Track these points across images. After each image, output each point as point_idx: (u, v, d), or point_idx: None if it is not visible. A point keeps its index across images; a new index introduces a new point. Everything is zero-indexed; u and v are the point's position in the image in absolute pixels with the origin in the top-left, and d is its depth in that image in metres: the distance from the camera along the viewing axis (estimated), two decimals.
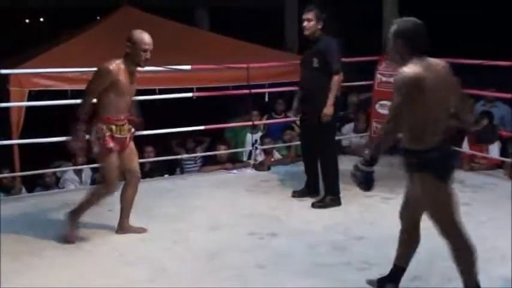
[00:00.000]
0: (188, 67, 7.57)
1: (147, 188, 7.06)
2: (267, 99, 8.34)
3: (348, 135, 9.10)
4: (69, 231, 5.28)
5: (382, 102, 8.51)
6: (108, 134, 5.12)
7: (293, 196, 6.62)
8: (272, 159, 8.30)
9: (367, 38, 8.28)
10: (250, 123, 8.41)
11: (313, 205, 6.28)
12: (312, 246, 5.22)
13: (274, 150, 8.51)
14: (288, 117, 9.20)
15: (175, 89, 7.84)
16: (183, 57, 8.24)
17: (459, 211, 4.05)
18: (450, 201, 3.97)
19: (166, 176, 8.12)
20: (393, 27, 3.90)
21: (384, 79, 8.52)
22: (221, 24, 12.61)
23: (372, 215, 6.05)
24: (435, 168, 3.85)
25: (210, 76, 8.21)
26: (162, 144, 8.61)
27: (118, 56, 7.89)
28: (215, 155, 8.26)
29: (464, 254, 4.01)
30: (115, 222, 5.76)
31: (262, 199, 6.58)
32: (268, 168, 7.90)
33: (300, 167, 7.93)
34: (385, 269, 4.68)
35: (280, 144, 8.66)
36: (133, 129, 5.43)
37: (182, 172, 8.52)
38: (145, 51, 5.13)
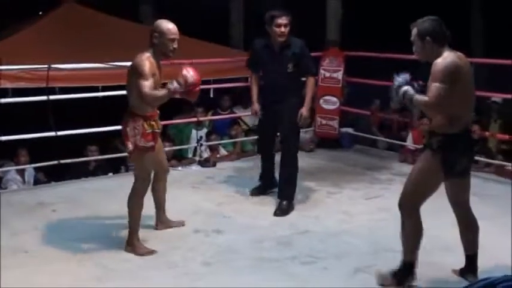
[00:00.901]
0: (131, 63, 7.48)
1: (91, 187, 7.03)
2: (212, 95, 8.32)
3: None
4: (138, 249, 5.03)
5: (326, 97, 8.59)
6: (149, 130, 4.99)
7: (252, 194, 6.54)
8: (218, 156, 8.29)
9: (311, 34, 8.29)
10: (194, 119, 8.37)
11: (276, 213, 5.99)
12: (257, 242, 5.24)
13: (220, 147, 8.51)
14: (234, 113, 9.22)
15: (119, 86, 7.75)
16: (127, 53, 8.13)
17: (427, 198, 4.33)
18: (430, 187, 4.27)
19: (110, 174, 8.03)
20: (415, 30, 4.13)
21: (327, 75, 8.59)
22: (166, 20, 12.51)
23: (316, 209, 6.09)
24: (445, 154, 4.12)
25: None
26: (107, 143, 8.52)
27: (60, 53, 7.85)
28: None
29: (411, 230, 4.26)
30: (58, 222, 5.70)
31: (208, 196, 6.56)
32: (214, 165, 7.88)
33: (246, 162, 7.98)
34: (329, 262, 4.74)
35: (226, 141, 8.65)
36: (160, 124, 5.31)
37: (127, 170, 8.43)
38: (173, 41, 4.97)
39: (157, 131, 5.11)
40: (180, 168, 7.87)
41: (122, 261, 4.87)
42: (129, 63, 7.36)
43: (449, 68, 3.97)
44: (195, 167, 7.91)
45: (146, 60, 4.83)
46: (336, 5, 9.79)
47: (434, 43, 4.06)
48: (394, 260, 4.65)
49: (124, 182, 7.21)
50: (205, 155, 8.19)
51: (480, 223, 5.44)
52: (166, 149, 8.07)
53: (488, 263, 4.59)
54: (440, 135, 4.14)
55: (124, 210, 6.09)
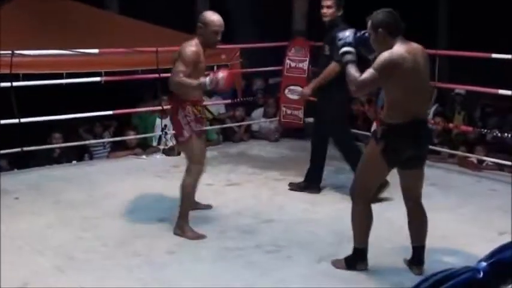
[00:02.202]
0: (96, 51, 7.44)
1: (54, 174, 6.99)
2: None
3: (257, 120, 9.16)
4: (188, 233, 5.10)
5: (291, 87, 8.61)
6: (199, 115, 5.10)
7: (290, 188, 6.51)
8: None
9: (277, 24, 8.33)
10: (159, 108, 8.33)
11: (291, 185, 6.37)
12: (221, 231, 5.25)
13: None
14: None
15: (83, 73, 7.70)
16: (91, 40, 8.10)
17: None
18: (377, 175, 4.38)
19: (74, 162, 7.97)
20: (370, 22, 4.18)
21: (292, 65, 8.62)
22: (131, 7, 12.41)
23: (280, 199, 6.12)
24: (387, 142, 4.15)
25: (118, 60, 8.08)
26: (70, 130, 8.46)
27: (23, 39, 7.75)
28: (124, 141, 8.18)
29: (360, 218, 4.41)
30: (21, 210, 5.67)
31: (172, 185, 6.51)
32: (179, 153, 7.85)
33: (210, 151, 7.94)
34: (292, 251, 4.78)
35: None
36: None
37: (91, 158, 8.39)
38: (216, 33, 4.99)
39: (203, 116, 5.28)
40: (144, 156, 7.85)
41: (84, 250, 4.84)
42: (93, 50, 7.40)
43: (390, 62, 4.01)
44: (159, 156, 7.89)
45: (192, 47, 4.90)
46: None
47: (387, 35, 4.10)
48: None
49: (87, 170, 7.25)
50: (170, 143, 8.17)
51: (442, 213, 5.56)
52: (130, 137, 8.07)
53: (450, 253, 4.66)
54: (384, 125, 4.19)
55: (87, 197, 6.11)
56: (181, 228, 5.10)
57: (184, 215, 5.13)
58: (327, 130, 6.28)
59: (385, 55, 4.03)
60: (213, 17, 5.02)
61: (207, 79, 4.79)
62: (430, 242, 4.84)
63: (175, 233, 5.10)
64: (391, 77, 4.02)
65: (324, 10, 6.04)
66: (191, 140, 5.06)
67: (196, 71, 4.90)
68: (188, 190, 5.15)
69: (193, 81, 4.84)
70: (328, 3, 6.02)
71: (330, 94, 6.06)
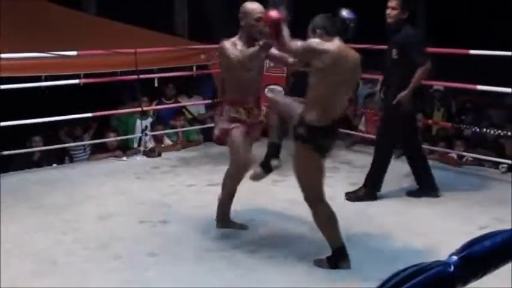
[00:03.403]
0: (74, 53, 7.41)
1: (35, 178, 6.95)
2: (156, 84, 8.28)
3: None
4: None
5: (270, 86, 8.60)
6: (234, 115, 4.91)
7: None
8: (162, 146, 8.26)
9: None
10: (139, 109, 8.31)
11: (348, 195, 6.08)
12: (203, 232, 5.24)
13: (165, 136, 8.47)
14: (179, 102, 9.18)
15: (62, 75, 7.66)
16: (69, 42, 8.06)
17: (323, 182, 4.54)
18: (319, 173, 4.55)
19: (54, 165, 7.93)
20: (311, 25, 4.45)
21: (271, 64, 8.61)
22: (108, 9, 12.36)
23: (261, 198, 6.11)
24: (316, 143, 4.40)
25: (97, 62, 8.04)
26: (50, 133, 8.42)
27: (1, 44, 7.68)
28: (104, 143, 8.15)
29: (323, 219, 4.54)
30: (2, 214, 5.62)
31: (153, 186, 6.54)
32: (159, 155, 7.85)
33: (191, 152, 7.97)
34: (274, 251, 4.78)
35: (171, 130, 8.62)
36: (263, 118, 5.12)
37: (71, 161, 8.35)
38: (259, 20, 4.74)
39: (246, 119, 4.97)
40: (124, 158, 7.83)
41: (65, 253, 4.82)
42: (72, 52, 7.36)
43: (311, 47, 4.31)
44: (139, 158, 7.87)
45: (226, 43, 4.79)
46: None
47: (324, 34, 4.35)
48: (307, 246, 4.77)
49: (68, 173, 7.21)
50: (150, 145, 8.15)
51: (423, 209, 5.60)
52: (110, 139, 8.04)
53: (429, 249, 4.68)
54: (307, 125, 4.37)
55: (68, 200, 6.09)
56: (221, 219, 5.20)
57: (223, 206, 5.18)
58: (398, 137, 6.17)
59: (315, 40, 4.34)
60: (253, 5, 4.85)
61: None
62: (409, 238, 4.89)
63: (217, 227, 5.20)
64: (311, 59, 4.30)
65: (388, 11, 5.88)
66: (231, 137, 4.92)
67: (234, 69, 4.77)
68: (225, 189, 5.12)
69: (254, 48, 4.69)
70: (393, 4, 5.87)
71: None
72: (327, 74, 4.27)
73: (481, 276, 1.05)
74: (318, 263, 4.55)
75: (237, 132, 4.88)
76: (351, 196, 6.06)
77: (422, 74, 5.85)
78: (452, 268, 0.99)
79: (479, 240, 1.06)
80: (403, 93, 5.80)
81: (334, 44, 4.31)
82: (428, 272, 0.93)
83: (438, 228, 5.22)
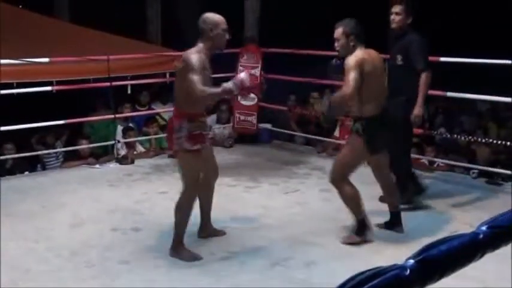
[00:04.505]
0: (46, 59, 7.38)
1: (7, 186, 6.89)
2: (129, 91, 8.27)
3: (211, 126, 9.16)
4: (182, 254, 4.83)
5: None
6: (196, 131, 4.71)
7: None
8: (135, 153, 8.22)
9: (230, 30, 8.33)
10: (111, 116, 8.28)
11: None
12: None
13: (137, 143, 8.43)
14: (153, 109, 9.18)
15: (34, 82, 7.63)
16: (41, 49, 8.03)
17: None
18: (361, 158, 5.10)
19: (26, 173, 7.89)
20: (342, 28, 4.92)
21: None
22: (81, 15, 12.34)
23: (234, 205, 6.13)
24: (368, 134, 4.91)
25: (70, 69, 8.00)
26: (22, 141, 8.37)
27: None
28: (77, 150, 8.11)
29: (348, 196, 5.04)
30: None
31: (126, 193, 6.53)
32: (132, 162, 7.83)
33: (164, 159, 7.95)
34: (246, 257, 4.79)
35: (143, 137, 8.59)
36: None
37: (44, 168, 8.30)
38: (226, 31, 4.75)
39: (204, 132, 4.86)
40: (97, 165, 7.80)
41: (37, 261, 4.80)
42: (44, 59, 7.33)
43: (357, 63, 4.81)
44: (112, 165, 7.84)
45: (196, 54, 4.60)
46: (253, 1, 9.86)
47: (354, 41, 4.89)
48: (310, 252, 4.78)
49: (40, 181, 7.17)
50: (123, 152, 8.12)
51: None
52: (83, 147, 8.00)
53: (400, 254, 4.71)
54: (363, 119, 4.93)
55: (40, 208, 6.05)
56: (176, 250, 4.85)
57: (179, 238, 4.88)
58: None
59: (351, 58, 4.82)
60: (219, 16, 4.80)
61: (230, 83, 4.58)
62: (381, 244, 4.93)
63: (171, 255, 4.83)
64: (362, 73, 4.78)
65: (393, 17, 5.85)
66: (181, 156, 4.79)
67: (203, 80, 4.58)
68: (180, 214, 4.85)
69: (215, 89, 4.62)
70: (397, 9, 5.84)
71: (408, 107, 5.77)
72: (368, 75, 4.84)
73: (438, 279, 1.08)
74: (347, 240, 5.10)
75: (196, 157, 4.74)
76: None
77: (428, 81, 5.75)
78: (408, 271, 1.02)
79: (436, 244, 1.09)
80: (417, 107, 5.71)
81: (365, 52, 4.91)
82: (385, 275, 0.96)
83: (409, 233, 5.26)
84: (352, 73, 4.75)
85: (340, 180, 5.02)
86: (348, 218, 5.61)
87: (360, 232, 5.06)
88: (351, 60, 4.81)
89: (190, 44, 4.79)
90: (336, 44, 4.97)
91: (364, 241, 5.06)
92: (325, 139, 8.49)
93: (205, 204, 5.18)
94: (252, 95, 8.61)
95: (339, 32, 4.93)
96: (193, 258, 4.80)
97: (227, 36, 4.79)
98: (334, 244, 5.02)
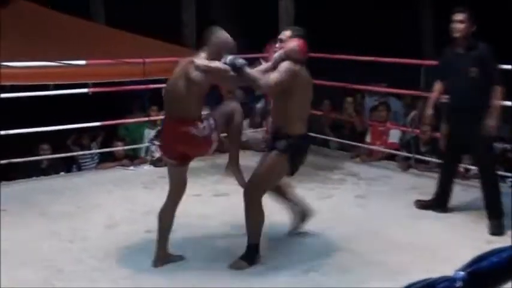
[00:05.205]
0: (83, 62, 7.45)
1: (42, 186, 6.97)
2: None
3: (244, 130, 9.16)
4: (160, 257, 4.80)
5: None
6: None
7: (417, 206, 6.10)
8: None
9: (263, 34, 8.31)
10: (146, 118, 8.33)
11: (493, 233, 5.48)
12: (207, 242, 5.25)
13: None
14: None
15: (71, 84, 7.70)
16: (78, 51, 8.11)
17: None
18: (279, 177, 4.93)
19: (62, 173, 7.97)
20: (290, 32, 4.83)
21: None
22: (117, 18, 12.43)
23: (268, 209, 6.07)
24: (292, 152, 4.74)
25: (106, 71, 8.09)
26: (58, 142, 8.45)
27: (10, 51, 7.73)
28: (112, 152, 8.17)
29: (255, 217, 4.78)
30: (8, 222, 5.66)
31: (160, 196, 6.47)
32: (166, 164, 7.82)
33: (198, 162, 7.92)
34: (281, 262, 4.75)
35: None
36: None
37: (79, 169, 8.39)
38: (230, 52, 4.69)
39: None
40: (132, 168, 7.84)
41: (71, 262, 4.83)
42: (81, 61, 7.39)
43: (293, 69, 4.64)
44: (147, 167, 7.88)
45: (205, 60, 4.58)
46: (287, 5, 9.85)
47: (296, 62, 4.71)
48: (343, 259, 4.75)
49: (75, 181, 7.24)
50: (157, 154, 8.14)
51: (431, 222, 5.56)
52: (118, 148, 8.06)
53: (436, 262, 4.67)
54: (289, 137, 4.71)
55: (75, 209, 6.10)
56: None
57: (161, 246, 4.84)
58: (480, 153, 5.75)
59: (287, 63, 4.62)
60: (227, 35, 4.72)
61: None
62: (416, 251, 4.88)
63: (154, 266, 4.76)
64: (293, 84, 4.61)
65: (456, 25, 5.58)
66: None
67: (207, 86, 4.62)
68: (164, 220, 4.86)
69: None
70: (460, 17, 5.57)
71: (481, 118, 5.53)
72: (304, 91, 4.73)
73: None
74: (236, 265, 4.71)
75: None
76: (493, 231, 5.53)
77: (500, 94, 5.51)
78: (458, 284, 1.00)
79: (486, 255, 1.07)
80: (492, 118, 5.48)
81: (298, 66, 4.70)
82: (438, 286, 0.94)
83: (445, 241, 5.21)
84: (284, 75, 4.58)
85: (253, 195, 4.74)
86: (381, 225, 5.58)
87: (252, 258, 4.75)
88: (290, 67, 4.64)
89: None
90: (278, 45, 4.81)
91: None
92: (359, 144, 8.44)
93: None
94: None
95: (286, 35, 4.81)
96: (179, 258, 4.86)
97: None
98: (368, 251, 4.98)
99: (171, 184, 4.89)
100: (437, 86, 5.94)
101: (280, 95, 4.70)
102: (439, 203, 6.02)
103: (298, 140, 4.76)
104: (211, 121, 4.66)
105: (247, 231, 4.78)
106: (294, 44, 4.72)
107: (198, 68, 4.49)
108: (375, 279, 4.49)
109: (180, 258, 4.87)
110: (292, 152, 4.73)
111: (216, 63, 4.53)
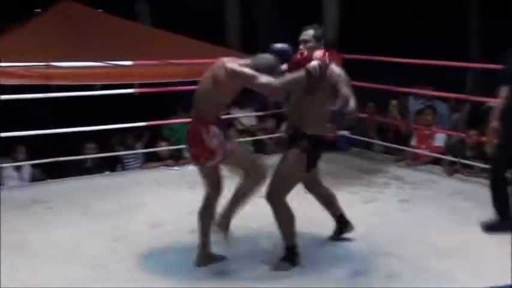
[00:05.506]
0: (130, 62, 7.51)
1: (87, 184, 7.04)
2: None
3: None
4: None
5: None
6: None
7: (485, 228, 5.47)
8: None
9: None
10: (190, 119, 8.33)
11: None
12: (250, 244, 5.22)
13: None
14: (231, 114, 9.20)
15: (117, 84, 7.77)
16: (124, 52, 8.17)
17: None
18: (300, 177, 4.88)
19: (107, 172, 8.04)
20: (313, 32, 4.76)
21: None
22: (162, 20, 12.51)
23: (312, 212, 6.02)
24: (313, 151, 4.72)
25: (151, 72, 8.12)
26: (103, 141, 8.53)
27: (57, 51, 7.84)
28: (156, 152, 8.22)
29: (285, 218, 4.75)
30: (53, 219, 5.72)
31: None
32: None
33: None
34: (326, 266, 4.71)
35: None
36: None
37: (123, 169, 8.45)
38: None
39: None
40: (176, 168, 7.88)
41: (115, 260, 4.86)
42: (127, 62, 7.45)
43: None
44: (191, 167, 7.86)
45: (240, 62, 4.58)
46: (333, 6, 9.81)
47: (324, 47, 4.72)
48: (390, 264, 4.69)
49: (120, 180, 7.29)
50: None
51: (477, 230, 5.43)
52: (162, 149, 8.10)
53: (480, 272, 4.57)
54: (309, 137, 4.67)
55: (119, 208, 6.15)
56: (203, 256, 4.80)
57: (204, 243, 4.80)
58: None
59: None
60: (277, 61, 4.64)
61: (310, 65, 4.48)
62: (461, 258, 4.79)
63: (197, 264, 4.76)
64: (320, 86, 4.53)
65: None
66: (232, 158, 4.65)
67: (230, 91, 4.59)
68: (202, 218, 4.81)
69: (293, 75, 4.57)
70: None
71: None
72: (326, 93, 4.59)
73: None
74: (276, 267, 4.68)
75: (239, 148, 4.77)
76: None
77: None
78: None
79: None
80: None
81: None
82: None
83: (492, 249, 5.09)
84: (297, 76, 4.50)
85: (278, 196, 4.70)
86: (426, 230, 5.51)
87: (292, 259, 4.72)
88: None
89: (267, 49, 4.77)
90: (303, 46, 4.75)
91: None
92: (404, 148, 8.36)
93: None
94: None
95: (310, 34, 4.75)
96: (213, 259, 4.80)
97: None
98: (413, 256, 4.91)
99: (204, 184, 4.85)
100: (505, 92, 5.44)
101: (304, 95, 4.64)
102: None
103: (318, 141, 4.73)
104: (220, 132, 4.55)
105: (280, 233, 4.76)
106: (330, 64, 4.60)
107: (226, 70, 4.50)
108: (421, 284, 4.42)
109: (222, 258, 4.86)
110: (312, 152, 4.71)
111: (244, 69, 4.50)
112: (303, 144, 4.66)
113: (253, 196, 4.80)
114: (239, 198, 4.75)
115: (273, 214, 4.72)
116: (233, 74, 4.49)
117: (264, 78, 4.46)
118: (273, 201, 4.70)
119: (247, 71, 4.50)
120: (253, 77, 4.47)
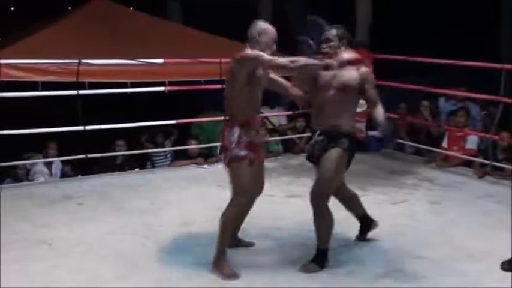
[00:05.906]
0: (161, 61, 7.53)
1: (117, 181, 7.08)
2: None
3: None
4: (224, 270, 4.57)
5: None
6: (245, 139, 4.53)
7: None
8: None
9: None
10: (221, 118, 8.34)
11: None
12: (281, 244, 5.22)
13: None
14: (261, 113, 9.19)
15: (147, 82, 7.80)
16: (155, 50, 8.21)
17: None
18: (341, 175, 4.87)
19: (137, 170, 8.09)
20: (336, 31, 4.78)
21: None
22: (194, 18, 12.54)
23: (341, 213, 5.99)
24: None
25: (182, 70, 8.15)
26: (133, 138, 8.58)
27: (89, 48, 7.89)
28: (186, 150, 8.25)
29: (326, 223, 4.72)
30: (84, 215, 5.76)
31: None
32: None
33: (271, 162, 7.93)
34: (353, 267, 4.70)
35: None
36: (267, 135, 4.97)
37: (153, 166, 8.50)
38: (275, 41, 4.63)
39: (257, 141, 4.63)
40: (206, 166, 7.91)
41: (145, 257, 4.89)
42: (158, 60, 7.48)
43: None
44: (220, 165, 7.87)
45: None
46: (364, 6, 9.76)
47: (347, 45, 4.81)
48: (418, 266, 4.66)
49: (149, 178, 7.33)
50: None
51: (507, 234, 5.37)
52: (191, 147, 8.13)
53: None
54: (349, 135, 4.71)
55: (149, 205, 6.18)
56: (218, 264, 4.60)
57: (221, 251, 4.65)
58: None
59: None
60: (268, 25, 4.68)
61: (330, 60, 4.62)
62: (490, 261, 4.73)
63: (212, 271, 4.58)
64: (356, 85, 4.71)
65: None
66: (231, 165, 4.58)
67: (254, 83, 4.52)
68: (226, 226, 4.67)
69: (309, 60, 4.58)
70: None
71: None
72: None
73: None
74: (306, 269, 4.65)
75: (245, 164, 4.55)
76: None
77: None
78: None
79: None
80: None
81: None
82: None
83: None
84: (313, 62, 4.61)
85: (322, 199, 4.65)
86: (455, 233, 5.46)
87: (322, 262, 4.70)
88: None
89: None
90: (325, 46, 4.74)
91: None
92: (435, 149, 8.29)
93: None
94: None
95: (333, 33, 4.77)
96: (230, 276, 4.53)
97: (274, 47, 4.61)
98: (442, 258, 4.86)
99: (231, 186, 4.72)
100: None
101: (343, 95, 4.68)
102: None
103: (355, 139, 4.80)
104: (239, 136, 4.53)
105: (316, 235, 4.73)
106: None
107: (235, 60, 4.52)
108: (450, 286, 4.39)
109: (231, 275, 4.58)
110: (353, 150, 4.76)
111: (249, 51, 4.49)
112: (345, 143, 4.67)
113: (240, 220, 4.85)
114: (225, 231, 4.68)
115: (314, 216, 4.70)
116: (241, 60, 4.48)
117: (273, 57, 4.49)
118: (316, 204, 4.67)
119: (252, 52, 4.49)
120: (258, 56, 4.45)
